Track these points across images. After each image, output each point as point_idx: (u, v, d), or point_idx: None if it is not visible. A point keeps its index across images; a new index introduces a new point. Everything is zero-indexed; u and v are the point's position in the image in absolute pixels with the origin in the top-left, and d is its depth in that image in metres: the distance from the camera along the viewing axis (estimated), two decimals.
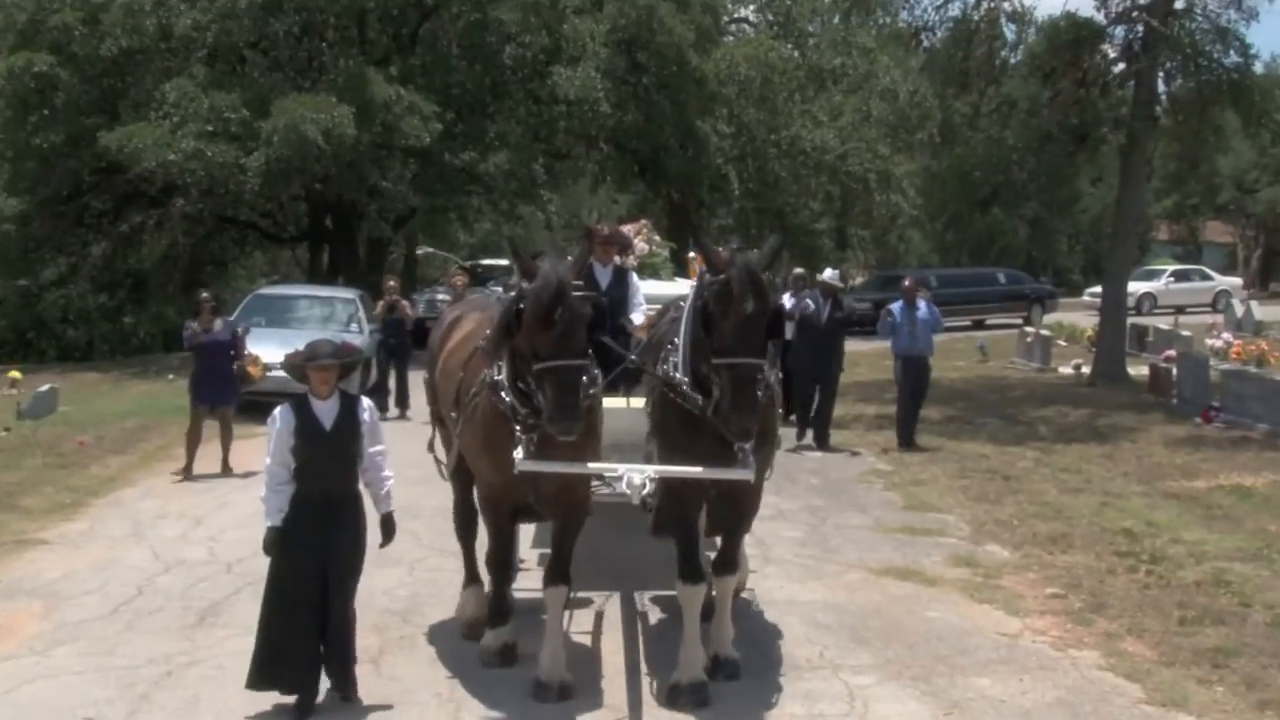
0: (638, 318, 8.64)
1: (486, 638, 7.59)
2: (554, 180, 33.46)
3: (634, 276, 9.05)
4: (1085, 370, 23.02)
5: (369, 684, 7.26)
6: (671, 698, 7.04)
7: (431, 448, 8.71)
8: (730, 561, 7.54)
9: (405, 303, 19.66)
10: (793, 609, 8.93)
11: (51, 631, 8.27)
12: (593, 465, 7.03)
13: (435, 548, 10.34)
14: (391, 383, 18.68)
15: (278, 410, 6.94)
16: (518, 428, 6.74)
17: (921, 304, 15.95)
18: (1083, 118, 20.76)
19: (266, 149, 25.03)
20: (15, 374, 22.72)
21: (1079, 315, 35.25)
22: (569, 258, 7.13)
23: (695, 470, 6.87)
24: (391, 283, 19.74)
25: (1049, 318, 34.72)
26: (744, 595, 8.84)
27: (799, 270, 19.78)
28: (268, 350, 16.54)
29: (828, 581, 9.73)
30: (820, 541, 11.08)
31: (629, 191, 39.51)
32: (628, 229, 10.15)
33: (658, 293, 9.08)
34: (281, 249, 41.13)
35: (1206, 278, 42.33)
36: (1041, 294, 37.58)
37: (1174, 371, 19.68)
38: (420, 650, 8.02)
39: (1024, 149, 20.92)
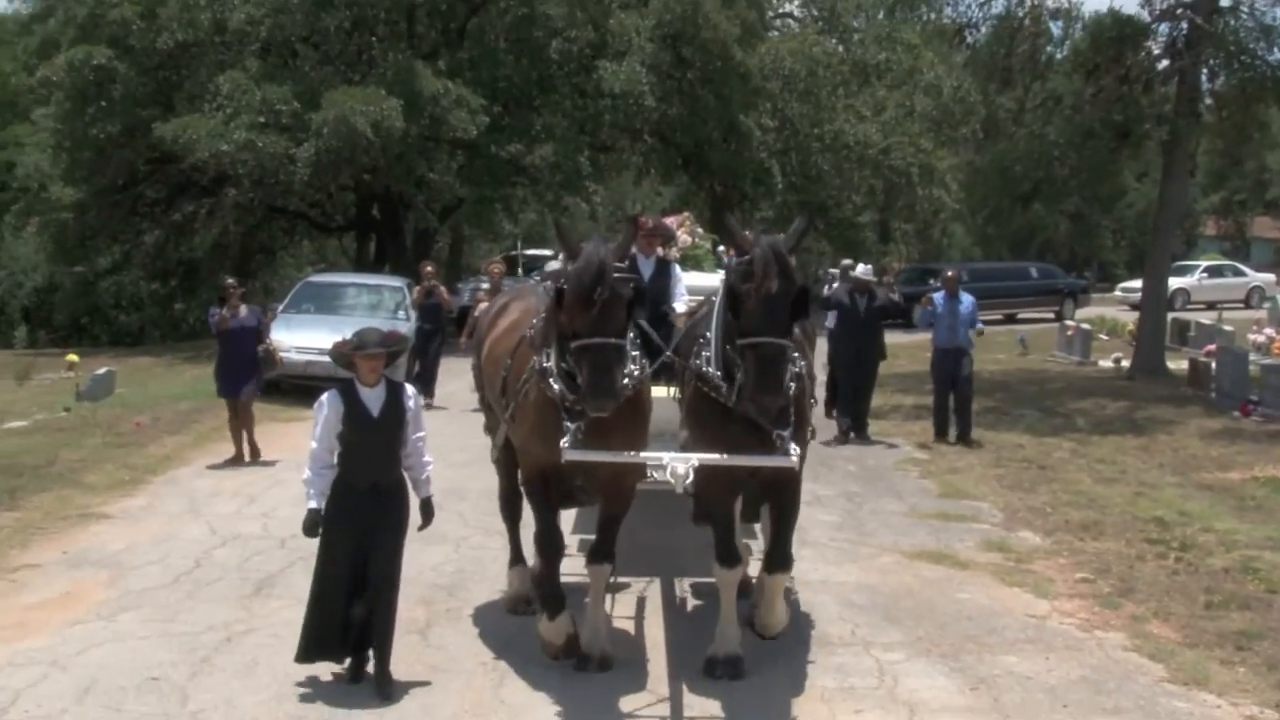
0: (680, 307, 8.79)
1: (548, 631, 7.51)
2: (599, 172, 33.73)
3: (676, 268, 9.18)
4: (1125, 364, 23.07)
5: (417, 652, 7.63)
6: (708, 669, 7.30)
7: (488, 430, 8.96)
8: (783, 558, 7.48)
9: (444, 289, 19.72)
10: (827, 589, 9.19)
11: (117, 599, 8.67)
12: (638, 455, 7.07)
13: (480, 527, 10.68)
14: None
15: (326, 396, 7.09)
16: (565, 415, 6.85)
17: (966, 297, 15.79)
18: (1125, 114, 20.77)
19: (317, 140, 25.46)
20: (73, 357, 23.35)
21: (1111, 310, 35.25)
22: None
23: (739, 459, 6.96)
24: (429, 269, 19.80)
25: (1082, 312, 34.73)
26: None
27: (847, 262, 19.90)
28: (318, 336, 16.97)
29: (862, 564, 9.99)
30: (856, 526, 11.33)
31: (673, 184, 39.78)
32: (670, 221, 10.30)
33: (700, 284, 9.18)
34: (329, 238, 41.68)
35: (1240, 273, 42.25)
36: (1074, 289, 37.63)
37: (1213, 366, 19.72)
38: (465, 623, 8.34)
39: (1066, 145, 20.94)
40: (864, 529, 11.22)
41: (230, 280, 14.71)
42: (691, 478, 6.92)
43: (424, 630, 8.11)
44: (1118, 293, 42.37)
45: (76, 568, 9.49)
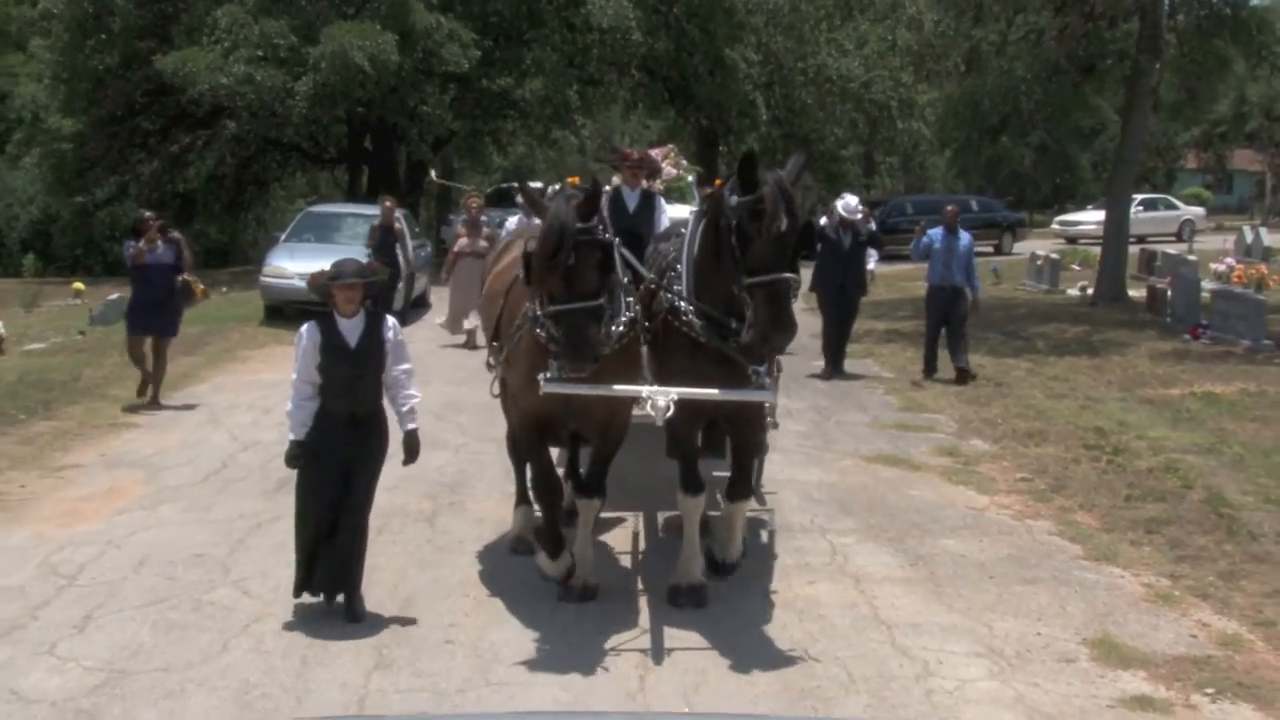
0: None
1: (548, 567, 7.53)
2: (587, 106, 34.28)
3: (661, 200, 9.55)
4: (1090, 292, 24.05)
5: (425, 535, 8.70)
6: (671, 597, 7.58)
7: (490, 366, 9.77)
8: (743, 488, 7.56)
9: (400, 225, 19.50)
10: (791, 487, 10.22)
11: (155, 493, 9.70)
12: (616, 387, 6.96)
13: (477, 435, 11.70)
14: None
15: (304, 328, 7.09)
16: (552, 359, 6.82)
17: (964, 234, 15.58)
18: (1089, 49, 21.57)
19: (314, 74, 26.13)
20: (79, 285, 24.29)
21: (1048, 244, 36.60)
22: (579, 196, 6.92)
23: (715, 393, 6.97)
24: (388, 203, 19.61)
25: (1051, 244, 35.94)
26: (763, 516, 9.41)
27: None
28: (320, 264, 17.77)
29: (824, 466, 11.03)
30: (822, 435, 12.36)
31: (659, 117, 40.48)
32: (655, 153, 10.85)
33: (684, 215, 9.38)
34: (321, 170, 42.28)
35: (1172, 207, 44.42)
36: (1013, 222, 39.10)
37: (1169, 292, 20.72)
38: (467, 513, 9.36)
39: (1032, 79, 21.72)
40: (829, 437, 12.26)
41: (148, 212, 13.89)
42: (672, 410, 6.86)
43: (431, 519, 9.14)
44: (1055, 226, 43.80)
45: (115, 468, 10.52)
